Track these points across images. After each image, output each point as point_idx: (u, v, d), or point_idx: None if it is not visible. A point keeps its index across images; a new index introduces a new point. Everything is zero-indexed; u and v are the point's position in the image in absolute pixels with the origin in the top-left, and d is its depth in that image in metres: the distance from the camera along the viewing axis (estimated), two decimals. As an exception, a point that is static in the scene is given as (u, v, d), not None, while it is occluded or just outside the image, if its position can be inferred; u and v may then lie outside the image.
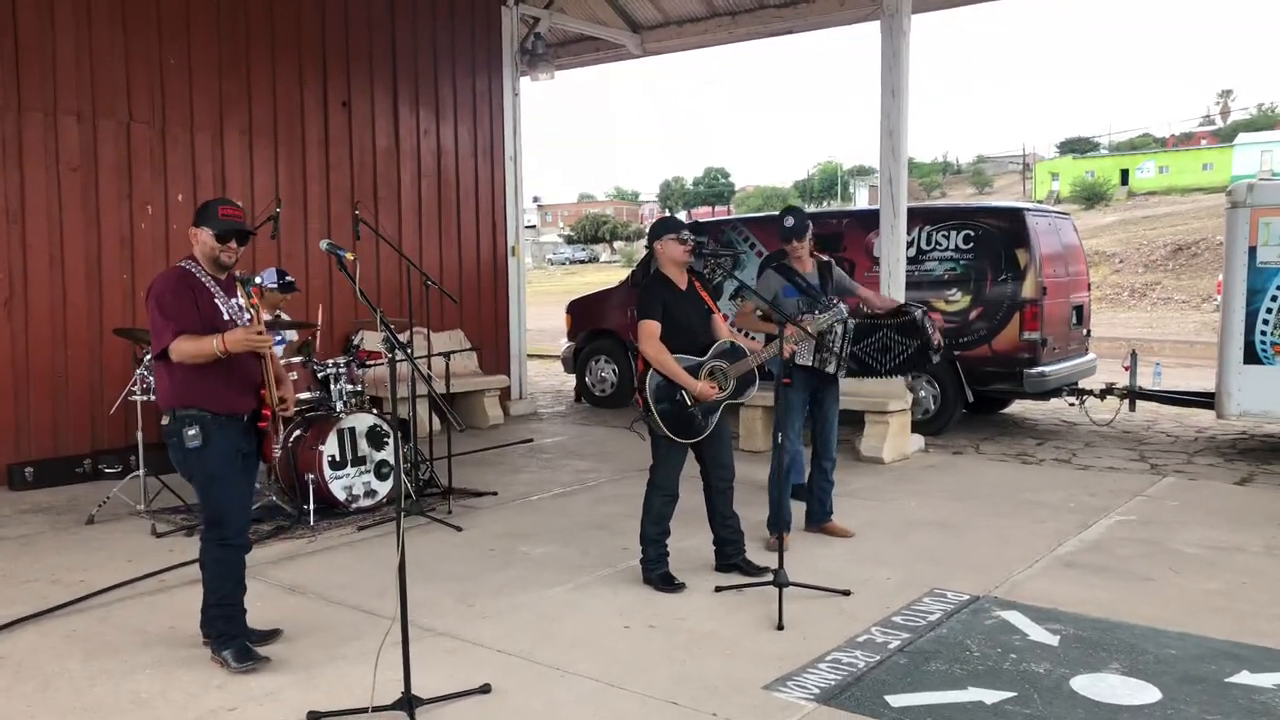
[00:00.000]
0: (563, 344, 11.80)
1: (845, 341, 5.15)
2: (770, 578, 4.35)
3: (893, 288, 7.92)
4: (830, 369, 5.21)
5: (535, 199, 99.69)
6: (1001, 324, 8.48)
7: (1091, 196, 54.03)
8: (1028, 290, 8.38)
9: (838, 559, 5.06)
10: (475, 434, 8.91)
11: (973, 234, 8.65)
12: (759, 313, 5.07)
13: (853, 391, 7.48)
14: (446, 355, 6.64)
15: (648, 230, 4.81)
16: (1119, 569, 4.88)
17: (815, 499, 5.49)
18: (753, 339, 5.95)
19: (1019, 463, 7.68)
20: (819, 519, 5.51)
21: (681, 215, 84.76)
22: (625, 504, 6.03)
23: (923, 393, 8.72)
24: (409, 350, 6.19)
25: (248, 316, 3.66)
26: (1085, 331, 9.50)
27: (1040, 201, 52.04)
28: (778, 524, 5.11)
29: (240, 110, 8.22)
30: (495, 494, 6.56)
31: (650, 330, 4.45)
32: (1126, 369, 8.73)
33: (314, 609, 4.39)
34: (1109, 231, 35.26)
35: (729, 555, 4.80)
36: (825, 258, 6.44)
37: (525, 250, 10.73)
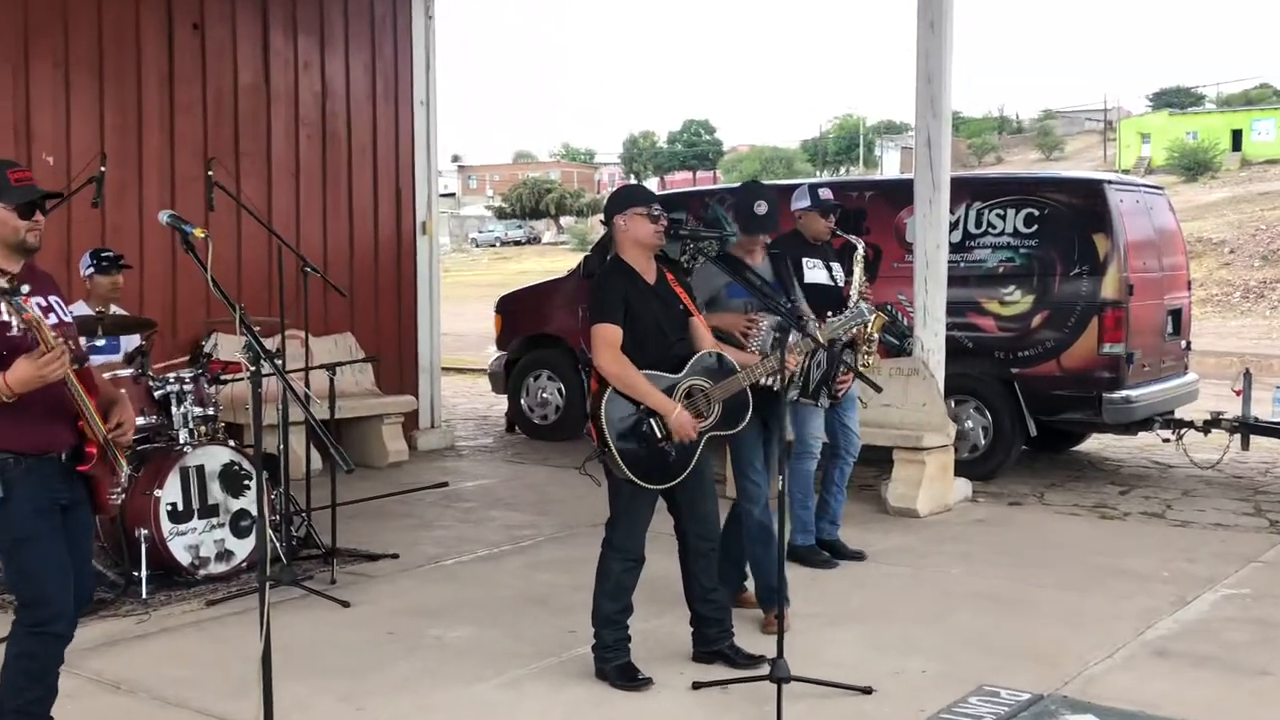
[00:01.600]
0: (491, 354, 11.78)
1: (836, 367, 5.31)
2: (766, 670, 4.35)
3: (930, 283, 7.99)
4: (794, 395, 5.39)
5: (455, 158, 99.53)
6: (1074, 333, 8.57)
7: (1194, 165, 54.89)
8: (1109, 289, 8.49)
9: (856, 645, 5.08)
10: (370, 475, 8.85)
11: (1037, 213, 8.75)
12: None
13: (876, 422, 7.53)
14: (331, 368, 6.60)
15: (605, 202, 4.82)
16: (1227, 660, 4.95)
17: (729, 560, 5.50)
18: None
19: (1096, 517, 7.77)
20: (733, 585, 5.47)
21: (652, 183, 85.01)
22: (572, 571, 6.01)
23: (970, 423, 8.81)
24: (280, 361, 6.14)
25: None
26: (1184, 344, 9.63)
27: (1127, 171, 52.81)
28: (769, 597, 5.14)
29: (52, 35, 8.13)
30: (396, 557, 6.52)
31: (608, 337, 4.45)
32: (1238, 394, 8.84)
33: (145, 713, 4.32)
34: (1216, 211, 35.85)
35: (711, 640, 4.80)
36: (855, 242, 6.50)
37: (441, 227, 10.72)
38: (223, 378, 6.39)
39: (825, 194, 6.43)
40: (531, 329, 11.12)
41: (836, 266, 6.36)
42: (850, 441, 6.57)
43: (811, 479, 6.24)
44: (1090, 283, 8.51)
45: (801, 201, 6.41)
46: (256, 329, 3.52)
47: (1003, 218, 8.84)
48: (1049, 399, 8.68)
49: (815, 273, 6.19)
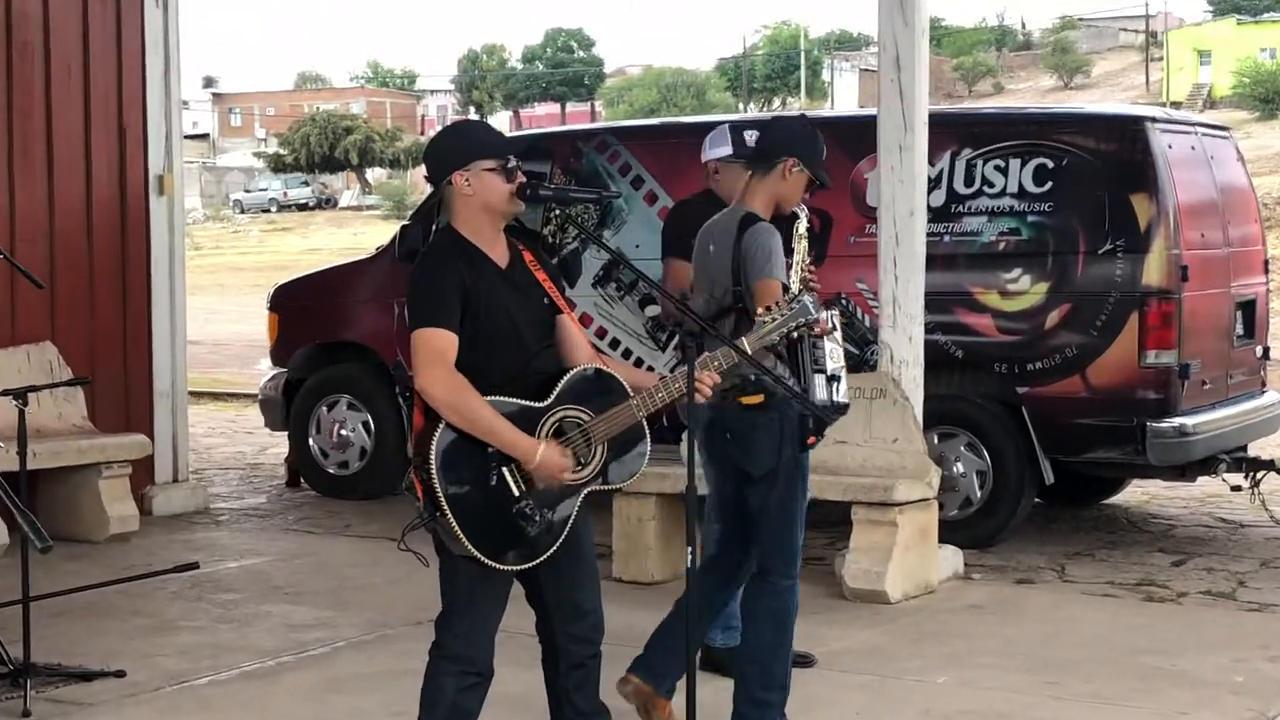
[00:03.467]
0: (264, 371, 11.65)
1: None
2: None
3: (902, 266, 8.08)
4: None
5: (209, 83, 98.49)
6: (1105, 337, 8.71)
7: (1272, 96, 56.61)
8: (1153, 273, 8.65)
9: (801, 791, 5.14)
10: (82, 554, 8.71)
11: (1051, 165, 8.89)
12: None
13: (827, 467, 7.59)
14: (20, 395, 6.50)
15: (431, 149, 4.80)
16: (1322, 799, 5.11)
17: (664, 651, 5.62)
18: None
19: (1139, 599, 7.92)
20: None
21: (501, 119, 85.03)
22: (386, 690, 6.00)
23: (960, 467, 8.92)
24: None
25: None
26: (1261, 351, 9.89)
27: (1178, 105, 54.22)
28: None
29: None
30: (122, 675, 6.43)
31: (438, 347, 4.43)
32: (1335, 421, 9.09)
33: None
34: (1302, 162, 37.02)
35: (590, 787, 4.81)
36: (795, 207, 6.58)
37: (188, 183, 10.60)
38: None
39: (752, 138, 6.48)
40: (324, 335, 11.09)
41: None
42: None
43: None
44: (1127, 264, 8.66)
45: (718, 148, 6.45)
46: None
47: (1003, 172, 8.98)
48: (1072, 431, 8.83)
49: None
